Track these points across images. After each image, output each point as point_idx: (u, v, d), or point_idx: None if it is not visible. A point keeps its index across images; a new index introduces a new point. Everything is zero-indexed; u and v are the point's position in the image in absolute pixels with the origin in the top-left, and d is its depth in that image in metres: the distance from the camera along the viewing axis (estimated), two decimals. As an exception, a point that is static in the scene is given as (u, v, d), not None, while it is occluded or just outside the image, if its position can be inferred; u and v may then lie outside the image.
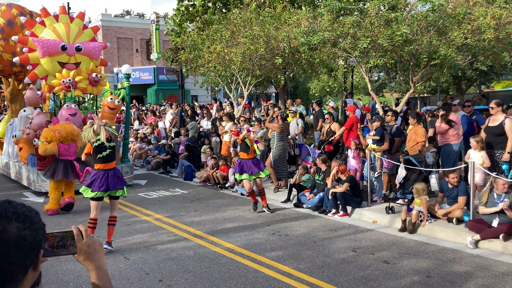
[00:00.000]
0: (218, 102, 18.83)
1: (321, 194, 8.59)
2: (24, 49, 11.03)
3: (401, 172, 8.15)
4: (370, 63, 9.69)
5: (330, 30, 9.52)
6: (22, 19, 11.40)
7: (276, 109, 11.81)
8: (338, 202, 8.23)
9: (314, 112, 13.41)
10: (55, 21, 11.26)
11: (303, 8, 13.44)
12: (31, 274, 1.27)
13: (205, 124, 14.75)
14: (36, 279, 1.33)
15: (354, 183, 8.35)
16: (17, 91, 13.80)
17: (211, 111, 16.61)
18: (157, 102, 28.96)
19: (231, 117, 12.36)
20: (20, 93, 13.62)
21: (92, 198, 6.28)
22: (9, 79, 13.82)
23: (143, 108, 24.10)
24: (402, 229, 7.08)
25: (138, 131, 18.18)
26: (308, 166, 9.78)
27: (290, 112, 12.23)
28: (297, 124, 11.65)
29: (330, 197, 8.27)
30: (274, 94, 31.39)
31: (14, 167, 12.16)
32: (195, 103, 20.14)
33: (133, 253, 6.31)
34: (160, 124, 17.26)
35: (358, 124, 10.12)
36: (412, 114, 9.17)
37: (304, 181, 9.26)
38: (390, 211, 7.72)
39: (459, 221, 6.86)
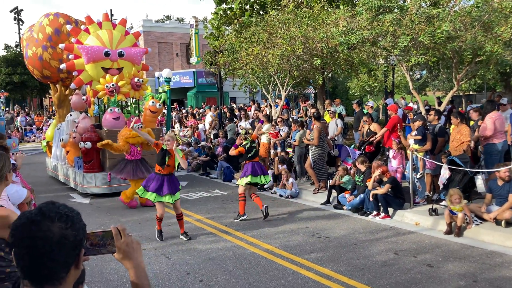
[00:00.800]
0: (256, 104, 18.91)
1: (362, 195, 8.45)
2: (70, 56, 11.48)
3: (444, 173, 7.90)
4: (411, 61, 9.44)
5: (369, 28, 9.35)
6: (68, 27, 11.87)
7: (313, 110, 11.73)
8: (379, 204, 8.07)
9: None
10: (99, 28, 11.66)
11: (341, 7, 13.30)
12: (73, 272, 1.33)
13: (244, 125, 14.83)
14: (80, 277, 1.39)
15: (396, 184, 8.16)
16: (64, 96, 14.39)
17: (249, 112, 16.72)
18: (197, 104, 29.45)
19: (269, 118, 12.37)
20: (67, 98, 14.19)
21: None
22: (57, 85, 14.43)
23: (184, 111, 24.54)
24: (448, 232, 6.85)
25: (180, 134, 18.52)
26: (348, 167, 9.64)
27: (329, 113, 12.09)
28: (337, 125, 11.52)
29: (371, 198, 8.12)
30: (312, 95, 31.17)
31: (62, 169, 12.69)
32: (234, 105, 20.33)
33: (174, 253, 6.44)
34: (200, 126, 17.52)
35: (400, 124, 9.88)
36: (455, 114, 8.87)
37: (344, 182, 9.14)
38: (433, 213, 7.50)
39: (508, 223, 6.57)
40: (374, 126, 10.26)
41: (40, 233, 1.26)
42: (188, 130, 18.06)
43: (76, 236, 1.32)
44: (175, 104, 27.24)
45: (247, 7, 16.93)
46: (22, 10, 47.50)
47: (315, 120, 10.17)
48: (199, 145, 15.51)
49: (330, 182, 9.50)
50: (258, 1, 16.70)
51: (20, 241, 1.28)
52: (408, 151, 8.53)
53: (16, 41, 45.94)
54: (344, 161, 10.70)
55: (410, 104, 20.04)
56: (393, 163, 8.98)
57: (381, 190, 8.02)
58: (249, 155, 8.29)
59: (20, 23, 46.77)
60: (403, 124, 10.22)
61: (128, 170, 9.61)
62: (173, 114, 21.08)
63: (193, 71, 33.18)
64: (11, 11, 47.74)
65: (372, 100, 17.29)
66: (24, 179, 5.74)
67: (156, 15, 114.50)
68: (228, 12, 17.02)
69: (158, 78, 32.77)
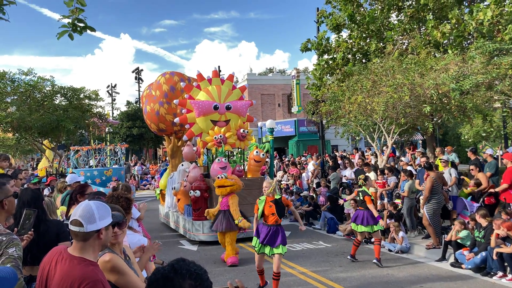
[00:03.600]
0: (360, 152, 18.45)
1: (484, 253, 7.60)
2: (183, 111, 12.40)
3: None
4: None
5: (483, 73, 8.79)
6: (182, 84, 12.92)
7: (424, 159, 11.08)
8: (506, 264, 7.17)
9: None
10: (209, 84, 12.49)
11: (449, 51, 12.71)
12: None
13: (348, 173, 14.47)
14: None
15: (526, 242, 7.22)
16: (177, 147, 15.47)
17: (352, 160, 16.32)
18: (298, 153, 29.65)
19: (374, 168, 11.94)
20: (179, 149, 15.22)
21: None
22: (171, 137, 15.61)
23: (286, 159, 24.82)
24: None
25: (281, 182, 18.66)
26: (466, 221, 8.80)
27: (441, 161, 11.33)
28: (450, 174, 10.70)
29: (495, 257, 7.26)
30: (420, 141, 29.62)
31: (173, 217, 13.41)
32: (336, 153, 20.08)
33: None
34: (303, 175, 17.49)
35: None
36: None
37: (462, 238, 8.33)
38: None
39: None
40: (480, 176, 9.34)
41: None
42: (289, 179, 18.13)
43: None
44: (275, 153, 27.73)
45: (349, 56, 16.99)
46: (142, 70, 53.14)
47: (428, 170, 9.57)
48: (301, 194, 15.42)
49: (446, 237, 8.73)
50: (361, 50, 16.69)
51: None
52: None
53: (136, 98, 51.12)
54: (460, 214, 9.81)
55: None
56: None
57: (507, 249, 7.16)
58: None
59: (140, 81, 52.19)
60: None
61: (217, 222, 9.23)
62: (275, 162, 21.40)
63: (295, 120, 33.74)
64: (132, 72, 53.64)
65: (489, 147, 15.89)
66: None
67: (259, 68, 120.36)
68: (331, 62, 17.22)
69: (261, 128, 33.93)
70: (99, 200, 2.62)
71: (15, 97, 20.93)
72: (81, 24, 2.89)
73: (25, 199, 3.89)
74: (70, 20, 2.90)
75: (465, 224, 8.60)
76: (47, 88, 21.88)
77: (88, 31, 2.90)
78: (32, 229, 3.52)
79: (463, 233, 8.37)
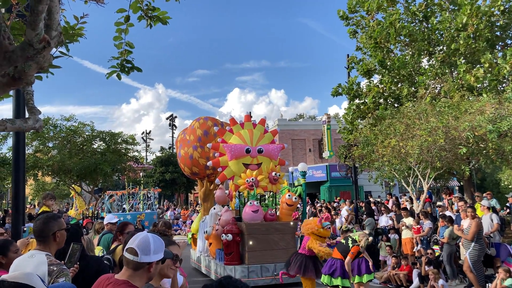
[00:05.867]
0: (394, 197, 18.05)
1: (533, 304, 7.15)
2: (216, 154, 12.58)
3: None
4: None
5: (521, 114, 8.61)
6: (215, 128, 13.20)
7: (461, 203, 10.72)
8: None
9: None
10: (241, 128, 12.71)
11: (484, 95, 12.56)
12: None
13: (385, 220, 14.09)
14: None
15: None
16: (209, 191, 15.57)
17: (387, 205, 15.93)
18: (330, 198, 29.23)
19: (411, 213, 11.63)
20: (211, 192, 15.30)
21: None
22: (203, 181, 15.76)
23: (318, 204, 24.50)
24: None
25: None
26: (511, 269, 8.35)
27: (481, 207, 10.92)
28: (492, 220, 10.27)
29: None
30: (457, 187, 28.74)
31: (204, 261, 13.28)
32: (370, 199, 19.69)
33: None
34: (336, 220, 17.16)
35: None
36: None
37: (508, 287, 7.87)
38: None
39: None
40: None
41: None
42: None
43: None
44: (307, 198, 27.41)
45: (381, 100, 17.03)
46: (175, 117, 54.71)
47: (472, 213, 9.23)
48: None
49: (490, 286, 8.27)
50: (392, 94, 16.71)
51: None
52: None
53: (170, 144, 52.35)
54: (505, 262, 9.33)
55: None
56: None
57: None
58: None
59: (174, 128, 53.60)
60: None
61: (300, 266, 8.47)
62: (307, 208, 21.12)
63: (326, 165, 33.53)
64: (167, 119, 55.28)
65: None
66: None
67: (289, 115, 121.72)
68: (362, 106, 17.28)
69: (292, 173, 33.84)
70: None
71: (57, 142, 21.86)
72: (129, 65, 3.10)
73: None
74: (119, 61, 3.13)
75: (510, 272, 8.15)
76: (87, 133, 22.79)
77: (136, 71, 3.10)
78: (78, 263, 3.61)
79: (509, 281, 7.92)
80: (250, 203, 11.34)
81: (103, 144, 23.64)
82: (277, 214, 12.08)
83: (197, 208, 26.84)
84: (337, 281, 7.62)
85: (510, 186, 24.68)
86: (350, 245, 7.73)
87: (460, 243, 9.99)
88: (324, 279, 7.84)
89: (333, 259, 7.87)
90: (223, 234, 11.16)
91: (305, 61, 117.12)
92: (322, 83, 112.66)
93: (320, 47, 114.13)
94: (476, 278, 8.86)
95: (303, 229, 8.55)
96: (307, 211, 20.58)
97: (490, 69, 12.99)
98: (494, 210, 11.69)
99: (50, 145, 22.01)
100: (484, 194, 14.02)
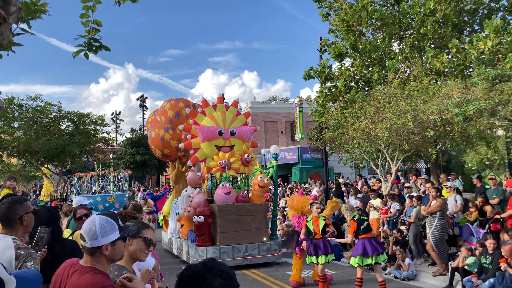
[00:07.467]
0: (363, 179, 18.43)
1: (492, 280, 7.50)
2: (187, 136, 12.48)
3: None
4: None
5: (486, 98, 8.87)
6: (187, 110, 13.05)
7: (428, 184, 11.06)
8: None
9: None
10: (214, 110, 12.63)
11: (450, 80, 12.87)
12: None
13: (353, 202, 14.39)
14: None
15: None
16: (181, 173, 15.48)
17: (356, 187, 16.26)
18: (301, 180, 29.61)
19: (379, 194, 11.92)
20: (183, 175, 15.22)
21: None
22: (175, 163, 15.64)
23: (289, 186, 24.77)
24: None
25: (285, 209, 18.57)
26: (473, 247, 8.72)
27: (446, 188, 11.30)
28: (456, 201, 10.66)
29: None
30: (424, 169, 29.57)
31: (176, 243, 13.30)
32: (340, 180, 20.03)
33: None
34: (306, 202, 17.41)
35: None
36: None
37: (469, 264, 8.23)
38: None
39: None
40: (486, 207, 9.39)
41: (204, 286, 1.42)
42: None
43: None
44: (279, 180, 27.67)
45: (352, 84, 17.19)
46: (146, 97, 53.76)
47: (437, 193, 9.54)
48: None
49: (453, 264, 8.62)
50: (363, 78, 16.90)
51: None
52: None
53: (140, 125, 51.54)
54: (467, 241, 9.72)
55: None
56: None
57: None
58: (362, 227, 7.84)
59: (144, 109, 52.73)
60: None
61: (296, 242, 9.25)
62: (279, 189, 21.34)
63: (298, 148, 33.85)
64: (137, 99, 54.29)
65: (494, 175, 15.82)
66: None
67: (261, 97, 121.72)
68: (333, 90, 17.42)
69: (264, 155, 33.99)
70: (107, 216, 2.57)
71: (22, 122, 21.17)
72: (97, 44, 3.00)
73: (42, 217, 3.87)
74: (86, 40, 3.02)
75: (472, 251, 8.52)
76: (54, 114, 22.15)
77: (104, 50, 3.00)
78: (46, 247, 3.53)
79: (470, 259, 8.28)
80: (223, 185, 11.36)
81: (71, 125, 23.06)
82: (249, 196, 12.16)
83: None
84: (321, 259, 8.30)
85: (473, 168, 25.55)
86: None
87: (426, 223, 10.33)
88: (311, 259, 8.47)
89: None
90: (195, 216, 11.18)
91: (278, 43, 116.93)
92: (295, 66, 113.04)
93: (294, 29, 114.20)
94: (439, 256, 9.21)
95: (297, 206, 9.68)
96: (278, 192, 20.79)
97: (457, 54, 13.27)
98: (458, 191, 12.13)
99: (16, 125, 21.30)
100: (450, 176, 14.50)
